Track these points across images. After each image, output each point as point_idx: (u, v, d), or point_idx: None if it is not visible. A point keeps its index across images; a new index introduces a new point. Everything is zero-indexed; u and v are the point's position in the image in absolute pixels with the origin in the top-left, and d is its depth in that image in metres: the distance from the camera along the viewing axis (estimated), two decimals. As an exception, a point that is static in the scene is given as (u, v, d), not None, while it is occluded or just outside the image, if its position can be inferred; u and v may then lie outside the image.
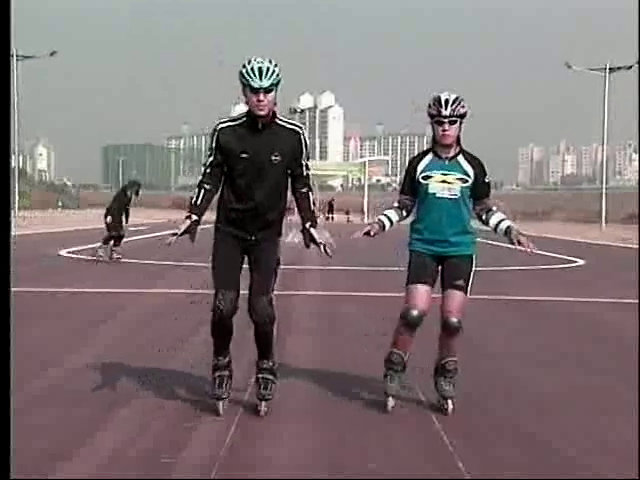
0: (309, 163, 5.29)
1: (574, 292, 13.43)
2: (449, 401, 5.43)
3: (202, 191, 5.15)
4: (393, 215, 5.56)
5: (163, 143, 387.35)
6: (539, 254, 23.56)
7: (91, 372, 6.47)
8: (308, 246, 5.27)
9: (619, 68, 59.04)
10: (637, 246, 26.09)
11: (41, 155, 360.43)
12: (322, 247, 5.20)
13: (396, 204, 5.58)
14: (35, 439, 4.76)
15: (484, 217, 5.53)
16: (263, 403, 5.32)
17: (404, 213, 5.56)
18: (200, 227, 5.17)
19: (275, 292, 5.38)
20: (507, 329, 9.50)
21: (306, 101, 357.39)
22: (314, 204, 5.30)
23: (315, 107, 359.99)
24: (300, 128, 5.22)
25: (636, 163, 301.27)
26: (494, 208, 5.56)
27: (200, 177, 5.23)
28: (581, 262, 20.80)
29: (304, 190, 5.26)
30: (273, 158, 5.09)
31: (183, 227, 5.06)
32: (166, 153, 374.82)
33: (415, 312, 5.32)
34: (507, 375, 6.78)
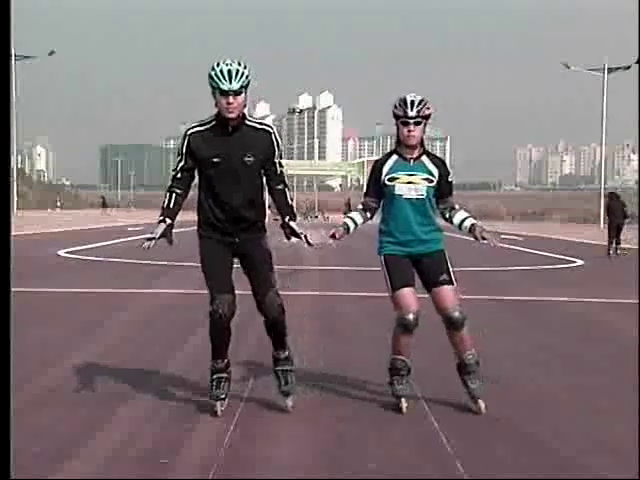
0: (282, 161, 5.33)
1: (573, 292, 13.43)
2: (479, 401, 5.42)
3: (173, 195, 5.20)
4: (358, 217, 5.62)
5: (161, 143, 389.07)
6: (538, 254, 23.60)
7: (91, 372, 6.47)
8: (289, 239, 5.31)
9: (617, 68, 59.07)
10: (637, 246, 26.10)
11: (39, 155, 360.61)
12: (303, 237, 5.22)
13: (360, 206, 5.66)
14: (35, 439, 4.76)
15: (447, 215, 5.60)
16: (289, 398, 5.36)
17: (368, 215, 5.62)
18: (180, 229, 5.22)
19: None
20: (506, 329, 9.50)
21: (305, 101, 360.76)
22: (291, 199, 5.33)
23: (314, 107, 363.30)
24: (271, 128, 5.24)
25: (634, 163, 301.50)
26: (457, 206, 5.62)
27: (170, 182, 5.25)
28: (580, 262, 20.81)
29: (280, 187, 5.30)
30: (246, 160, 5.12)
31: (159, 231, 5.11)
32: (164, 153, 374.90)
33: (411, 316, 5.35)
34: (507, 375, 6.78)
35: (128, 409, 5.48)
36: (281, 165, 5.31)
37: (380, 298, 8.81)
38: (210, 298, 5.20)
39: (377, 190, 5.53)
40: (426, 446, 4.77)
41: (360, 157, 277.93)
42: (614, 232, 24.12)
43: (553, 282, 16.06)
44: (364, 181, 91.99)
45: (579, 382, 6.64)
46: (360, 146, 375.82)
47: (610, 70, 58.54)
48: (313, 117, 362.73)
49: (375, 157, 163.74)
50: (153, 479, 4.17)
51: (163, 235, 5.12)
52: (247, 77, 5.00)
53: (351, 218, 5.62)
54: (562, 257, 22.30)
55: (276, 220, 5.36)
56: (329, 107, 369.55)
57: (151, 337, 8.48)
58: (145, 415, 5.34)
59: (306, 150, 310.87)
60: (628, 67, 58.45)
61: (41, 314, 10.12)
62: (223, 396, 5.32)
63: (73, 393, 5.88)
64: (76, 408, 5.47)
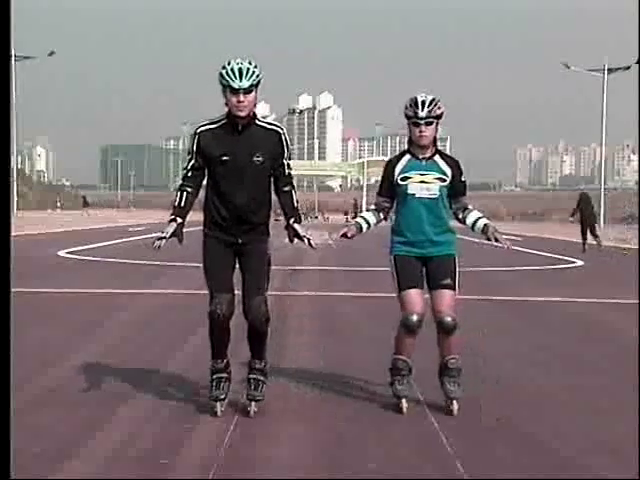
0: (291, 163, 5.34)
1: (573, 292, 13.43)
2: (454, 402, 5.42)
3: (184, 194, 5.21)
4: (371, 217, 5.62)
5: (161, 143, 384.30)
6: (538, 254, 23.59)
7: (91, 372, 6.46)
8: (292, 241, 5.32)
9: (617, 69, 59.05)
10: (636, 246, 26.09)
11: (40, 156, 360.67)
12: (306, 241, 5.23)
13: (373, 207, 5.66)
14: (35, 439, 4.75)
15: (460, 216, 5.61)
16: (253, 404, 5.32)
17: (381, 215, 5.62)
18: (186, 229, 5.25)
19: (273, 292, 5.39)
20: (506, 329, 9.49)
21: (305, 101, 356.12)
22: (297, 201, 5.34)
23: (314, 107, 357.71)
24: (281, 129, 5.25)
25: (634, 163, 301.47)
26: (470, 207, 5.63)
27: (181, 181, 5.28)
28: (580, 262, 20.80)
29: (287, 189, 5.30)
30: (254, 159, 5.12)
31: (170, 230, 5.12)
32: (164, 153, 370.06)
33: (415, 317, 5.36)
34: (506, 375, 6.79)
35: (128, 409, 5.47)
36: (289, 167, 5.31)
37: (380, 298, 8.74)
38: (209, 297, 5.21)
39: (390, 190, 5.52)
40: (426, 446, 4.77)
41: (360, 157, 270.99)
42: (587, 229, 24.85)
43: (553, 282, 16.06)
44: (364, 181, 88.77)
45: (579, 382, 6.64)
46: (360, 146, 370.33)
47: (610, 70, 58.50)
48: (313, 117, 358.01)
49: (375, 157, 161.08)
50: (153, 479, 4.17)
51: (174, 234, 5.11)
52: (258, 76, 5.02)
53: (364, 218, 5.63)
54: (562, 257, 22.29)
55: (277, 221, 5.37)
56: (329, 107, 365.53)
57: (151, 337, 8.48)
58: (145, 415, 5.34)
59: (306, 150, 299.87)
60: (628, 67, 58.44)
61: (41, 314, 10.11)
62: (223, 396, 5.31)
63: (73, 393, 5.88)
64: (76, 408, 5.47)
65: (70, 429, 4.98)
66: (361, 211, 68.13)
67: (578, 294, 13.15)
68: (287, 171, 5.28)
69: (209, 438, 4.84)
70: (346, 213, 73.21)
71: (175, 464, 4.36)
